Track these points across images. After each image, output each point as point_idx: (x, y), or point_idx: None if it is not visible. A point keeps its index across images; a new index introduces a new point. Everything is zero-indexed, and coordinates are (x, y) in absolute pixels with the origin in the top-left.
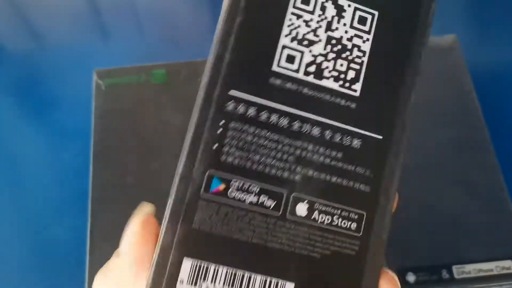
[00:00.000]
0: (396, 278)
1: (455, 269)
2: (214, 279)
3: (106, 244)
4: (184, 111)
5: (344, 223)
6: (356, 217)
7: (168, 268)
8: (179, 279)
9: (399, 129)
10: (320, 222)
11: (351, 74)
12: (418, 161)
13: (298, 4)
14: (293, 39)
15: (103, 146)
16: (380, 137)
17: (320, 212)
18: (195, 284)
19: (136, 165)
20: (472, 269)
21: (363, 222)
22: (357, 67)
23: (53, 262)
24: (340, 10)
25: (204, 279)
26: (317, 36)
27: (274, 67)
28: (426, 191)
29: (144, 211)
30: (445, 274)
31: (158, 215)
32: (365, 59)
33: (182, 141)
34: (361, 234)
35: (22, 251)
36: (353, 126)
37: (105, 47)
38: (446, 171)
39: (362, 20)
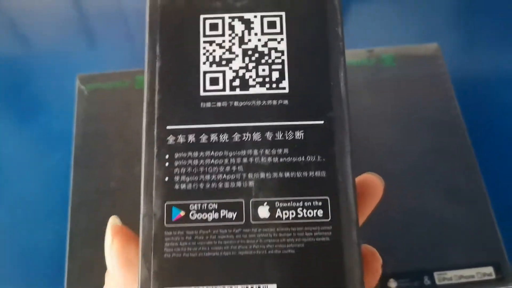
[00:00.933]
0: (375, 250)
1: (436, 275)
2: None
3: (86, 251)
4: None
5: (310, 213)
6: (320, 204)
7: None
8: None
9: (338, 110)
10: (286, 219)
11: (275, 75)
12: (400, 167)
13: (208, 32)
14: (211, 64)
15: (84, 152)
16: (321, 122)
17: (283, 209)
18: None
19: (118, 170)
20: (453, 275)
21: (329, 207)
22: (279, 66)
23: (34, 268)
24: (247, 23)
25: None
26: (233, 53)
27: (201, 93)
28: (408, 196)
29: (110, 224)
30: (426, 281)
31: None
32: (285, 57)
33: None
34: (330, 218)
35: (3, 257)
36: (291, 121)
37: (92, 52)
38: (428, 177)
39: (272, 24)
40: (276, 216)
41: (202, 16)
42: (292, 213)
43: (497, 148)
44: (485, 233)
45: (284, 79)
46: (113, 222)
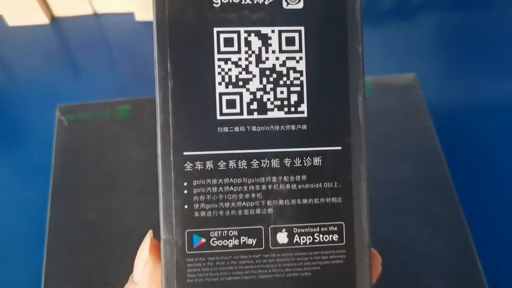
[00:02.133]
0: (375, 251)
1: None
2: None
3: (62, 285)
4: (148, 147)
5: (326, 238)
6: (335, 229)
7: None
8: None
9: (356, 135)
10: (303, 244)
11: (293, 98)
12: (379, 196)
13: (223, 48)
14: (227, 84)
15: (62, 183)
16: (339, 147)
17: (300, 234)
18: None
19: (96, 202)
20: None
21: (344, 231)
22: (298, 88)
23: None
24: (265, 39)
25: None
26: (250, 72)
27: (218, 117)
28: (387, 225)
29: (148, 239)
30: None
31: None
32: (304, 78)
33: (145, 177)
34: (344, 242)
35: None
36: (309, 147)
37: (74, 83)
38: (407, 206)
39: (290, 41)
40: (294, 241)
41: (215, 29)
42: (309, 238)
43: (475, 176)
44: (465, 262)
45: (302, 102)
46: (152, 236)
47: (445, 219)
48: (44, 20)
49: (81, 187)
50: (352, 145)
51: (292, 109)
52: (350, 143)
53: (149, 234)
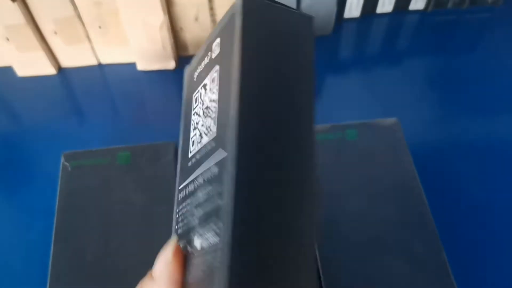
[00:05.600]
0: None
1: None
2: None
3: None
4: (146, 191)
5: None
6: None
7: None
8: None
9: (237, 142)
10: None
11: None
12: (363, 236)
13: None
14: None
15: (65, 225)
16: (225, 154)
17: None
18: None
19: (95, 244)
20: None
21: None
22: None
23: None
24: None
25: None
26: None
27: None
28: (371, 265)
29: (173, 243)
30: None
31: None
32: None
33: (143, 219)
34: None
35: None
36: (213, 159)
37: (79, 130)
38: (390, 246)
39: (211, 89)
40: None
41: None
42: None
43: (455, 215)
44: None
45: (214, 123)
46: (176, 242)
47: (426, 257)
48: (51, 70)
49: (81, 229)
50: (235, 150)
51: (210, 132)
52: (233, 148)
53: (174, 237)
